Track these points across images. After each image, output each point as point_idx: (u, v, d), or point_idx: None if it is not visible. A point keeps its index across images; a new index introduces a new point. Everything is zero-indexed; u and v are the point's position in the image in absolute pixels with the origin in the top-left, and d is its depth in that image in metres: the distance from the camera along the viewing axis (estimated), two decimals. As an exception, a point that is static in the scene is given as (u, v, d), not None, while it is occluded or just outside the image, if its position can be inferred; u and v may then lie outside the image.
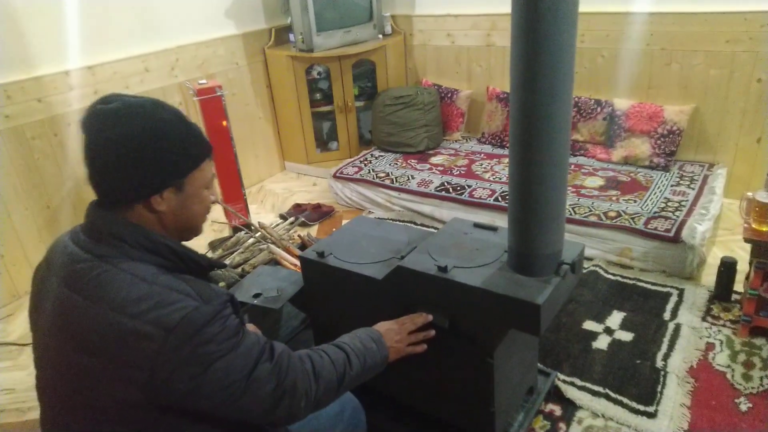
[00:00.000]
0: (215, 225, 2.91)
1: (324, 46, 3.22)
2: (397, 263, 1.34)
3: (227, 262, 1.82)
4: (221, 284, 1.66)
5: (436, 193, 2.77)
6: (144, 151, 0.88)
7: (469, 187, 2.78)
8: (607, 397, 1.64)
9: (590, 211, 2.40)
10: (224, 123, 2.61)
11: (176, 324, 0.82)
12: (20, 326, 2.30)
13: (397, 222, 2.84)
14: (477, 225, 1.49)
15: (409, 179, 2.94)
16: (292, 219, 2.69)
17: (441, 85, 3.50)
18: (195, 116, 2.97)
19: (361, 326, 1.23)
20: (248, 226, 2.33)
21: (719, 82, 2.66)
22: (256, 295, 1.59)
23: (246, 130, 3.38)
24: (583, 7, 2.74)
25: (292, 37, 3.33)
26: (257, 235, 2.00)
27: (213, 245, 2.59)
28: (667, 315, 1.97)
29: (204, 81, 2.60)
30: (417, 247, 1.42)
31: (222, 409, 0.87)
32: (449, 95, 3.45)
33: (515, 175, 1.20)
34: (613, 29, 2.85)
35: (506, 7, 1.09)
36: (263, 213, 3.10)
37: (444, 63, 3.52)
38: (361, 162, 3.22)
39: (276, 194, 3.37)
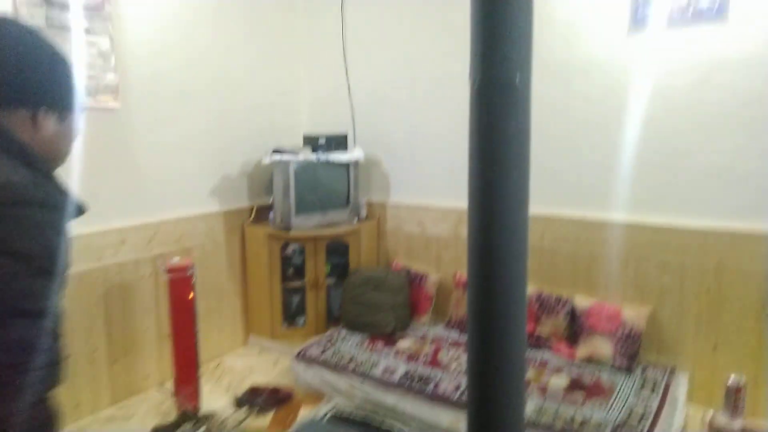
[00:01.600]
0: (162, 406, 2.73)
1: (301, 227, 3.37)
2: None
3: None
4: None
5: (400, 383, 2.69)
6: (49, 61, 1.00)
7: (434, 378, 2.72)
8: None
9: (556, 415, 2.33)
10: (190, 296, 2.60)
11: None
12: None
13: (356, 414, 2.71)
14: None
15: (373, 365, 2.87)
16: (246, 407, 2.55)
17: (411, 269, 3.61)
18: (163, 291, 2.95)
19: None
20: (196, 415, 2.20)
21: (672, 288, 2.80)
22: None
23: (213, 303, 3.36)
24: (543, 210, 2.93)
25: (271, 215, 3.49)
26: (202, 430, 1.88)
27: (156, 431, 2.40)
28: None
29: (176, 259, 2.65)
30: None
31: None
32: (418, 279, 3.55)
33: (469, 387, 1.19)
34: (572, 232, 3.06)
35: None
36: (218, 393, 2.94)
37: (415, 248, 3.69)
38: (326, 342, 3.17)
39: (234, 372, 3.24)
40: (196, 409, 2.35)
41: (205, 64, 3.23)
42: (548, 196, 3.09)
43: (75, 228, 2.86)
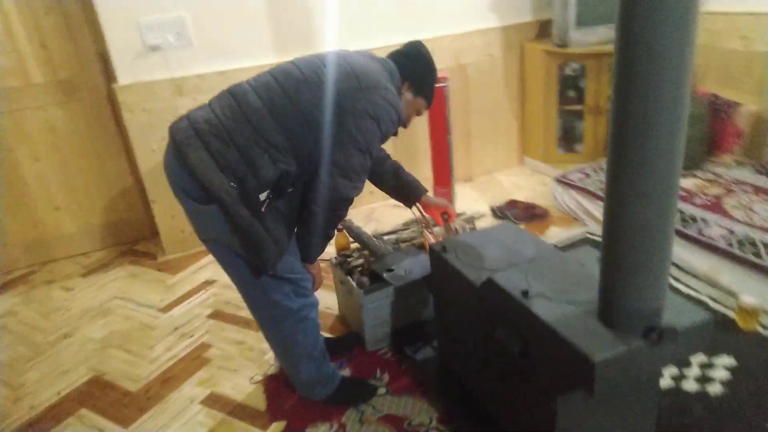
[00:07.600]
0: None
1: (581, 42, 3.05)
2: (488, 275, 1.34)
3: (395, 236, 2.04)
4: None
5: (658, 219, 2.41)
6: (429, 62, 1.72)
7: (704, 221, 2.34)
8: None
9: None
10: (444, 113, 2.80)
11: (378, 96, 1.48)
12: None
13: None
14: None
15: (635, 198, 2.61)
16: (499, 216, 2.73)
17: (719, 96, 2.92)
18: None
19: (467, 323, 1.47)
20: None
21: None
22: (389, 270, 1.77)
23: (488, 121, 3.48)
24: None
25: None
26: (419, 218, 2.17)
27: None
28: None
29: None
30: (523, 265, 1.37)
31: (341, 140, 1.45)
32: (727, 110, 2.87)
33: (606, 211, 1.08)
34: None
35: None
36: (480, 201, 3.21)
37: (730, 70, 2.92)
38: (593, 169, 3.00)
39: (501, 187, 3.42)
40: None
41: None
42: None
43: (355, 44, 3.24)
